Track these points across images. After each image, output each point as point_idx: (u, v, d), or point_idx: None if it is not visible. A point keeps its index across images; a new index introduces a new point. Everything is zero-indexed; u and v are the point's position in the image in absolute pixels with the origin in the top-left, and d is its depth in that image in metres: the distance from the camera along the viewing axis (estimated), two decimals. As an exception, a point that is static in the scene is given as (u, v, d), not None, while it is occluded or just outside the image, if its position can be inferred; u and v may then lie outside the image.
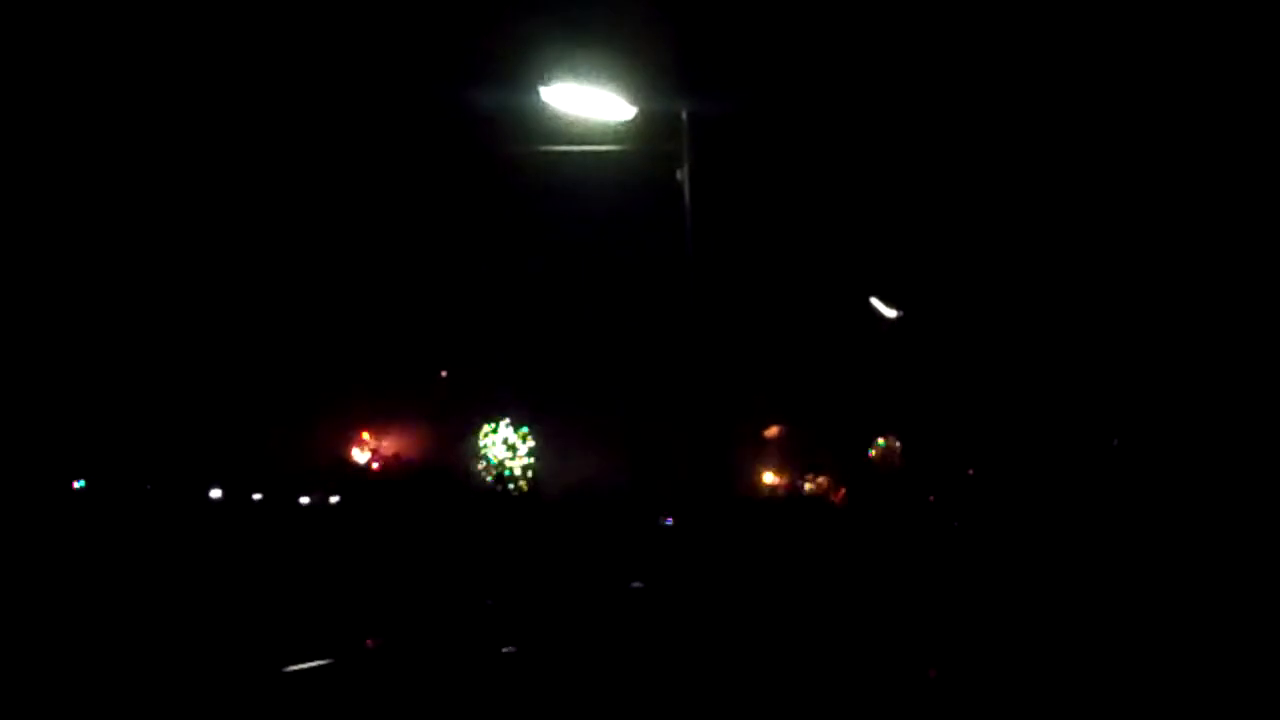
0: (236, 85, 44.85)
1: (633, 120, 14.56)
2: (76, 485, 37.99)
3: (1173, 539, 19.14)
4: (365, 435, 56.65)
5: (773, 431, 48.18)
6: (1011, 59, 29.20)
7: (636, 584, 20.45)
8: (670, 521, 31.88)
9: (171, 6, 43.42)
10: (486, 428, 58.63)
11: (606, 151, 15.98)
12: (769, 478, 48.38)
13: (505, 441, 58.87)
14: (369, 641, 14.06)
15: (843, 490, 40.77)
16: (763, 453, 48.50)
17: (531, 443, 58.79)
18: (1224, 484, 21.73)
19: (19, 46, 37.32)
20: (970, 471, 37.34)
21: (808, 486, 44.19)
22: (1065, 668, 11.40)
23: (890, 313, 30.24)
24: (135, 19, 42.24)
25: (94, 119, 41.58)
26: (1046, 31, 28.23)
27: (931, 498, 35.24)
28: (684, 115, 15.44)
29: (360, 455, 55.89)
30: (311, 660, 12.02)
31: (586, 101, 13.96)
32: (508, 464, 58.30)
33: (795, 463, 47.17)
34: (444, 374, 56.93)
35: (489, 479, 55.62)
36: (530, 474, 57.66)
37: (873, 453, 45.28)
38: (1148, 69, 26.20)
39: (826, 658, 12.80)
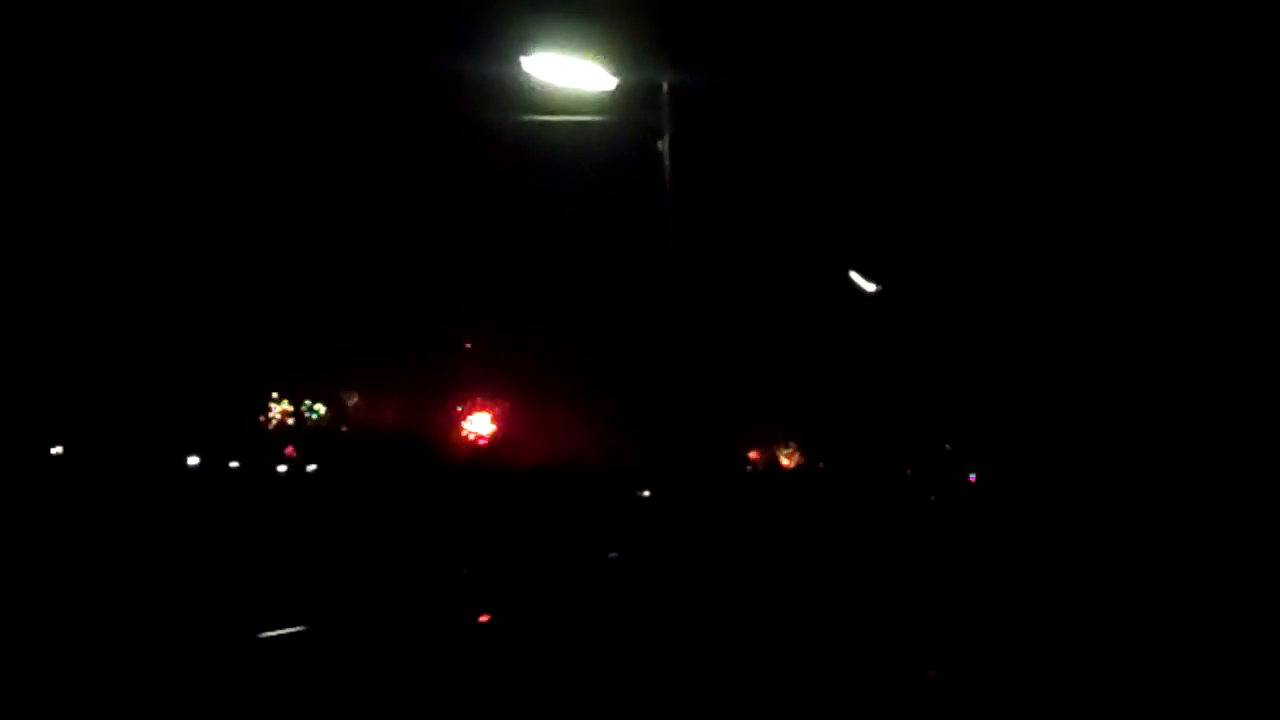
0: (211, 53, 44.52)
1: (614, 91, 14.55)
2: (54, 451, 37.88)
3: (1161, 519, 19.25)
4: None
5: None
6: (991, 34, 29.20)
7: (613, 554, 20.55)
8: (647, 494, 32.00)
9: None
10: None
11: (587, 122, 15.96)
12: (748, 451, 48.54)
13: None
14: (344, 608, 14.09)
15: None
16: (741, 426, 48.63)
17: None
18: (1213, 464, 21.85)
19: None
20: (947, 446, 37.57)
21: (783, 459, 44.39)
22: (1056, 653, 11.46)
23: (869, 286, 30.30)
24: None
25: (56, 92, 41.25)
26: (1025, 6, 28.24)
27: (909, 471, 35.45)
28: (665, 86, 15.44)
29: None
30: (286, 627, 12.05)
31: (568, 72, 13.94)
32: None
33: (772, 435, 47.33)
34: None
35: None
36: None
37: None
38: (1126, 48, 26.24)
39: (803, 624, 12.89)
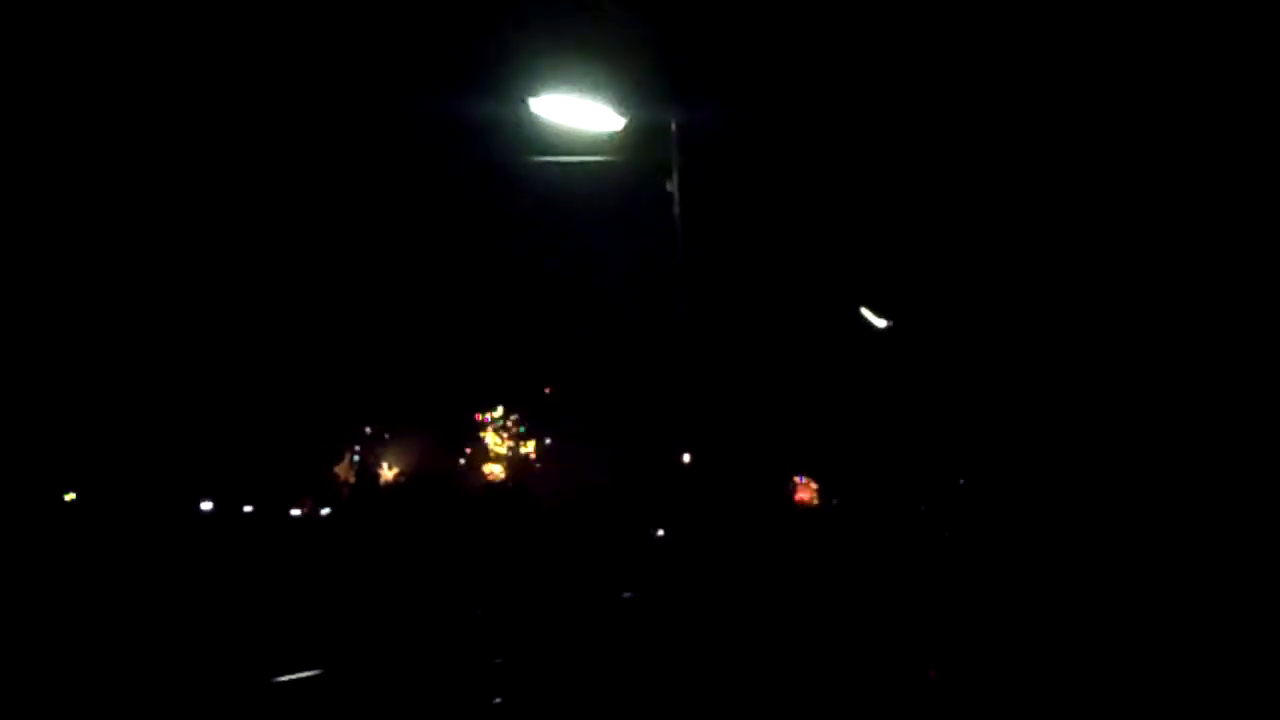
0: (229, 98, 44.89)
1: (623, 131, 14.58)
2: (68, 498, 37.93)
3: (1165, 543, 19.19)
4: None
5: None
6: (996, 74, 29.31)
7: (627, 594, 20.46)
8: (660, 533, 31.90)
9: (165, 16, 43.44)
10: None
11: (596, 162, 16.01)
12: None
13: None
14: (359, 651, 14.04)
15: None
16: (756, 463, 48.42)
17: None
18: (1218, 487, 21.77)
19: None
20: (961, 481, 37.37)
21: (799, 495, 44.19)
22: (1062, 670, 11.42)
23: (880, 322, 30.28)
24: (127, 26, 42.25)
25: (94, 126, 41.59)
26: (1030, 48, 28.35)
27: (923, 507, 35.28)
28: (673, 126, 15.47)
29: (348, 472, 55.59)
30: (301, 671, 12.02)
31: (576, 112, 13.97)
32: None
33: (786, 472, 47.14)
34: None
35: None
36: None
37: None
38: (1132, 81, 26.30)
39: (822, 667, 12.81)
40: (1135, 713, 10.03)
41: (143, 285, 44.32)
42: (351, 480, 53.98)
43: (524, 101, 13.69)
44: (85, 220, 41.96)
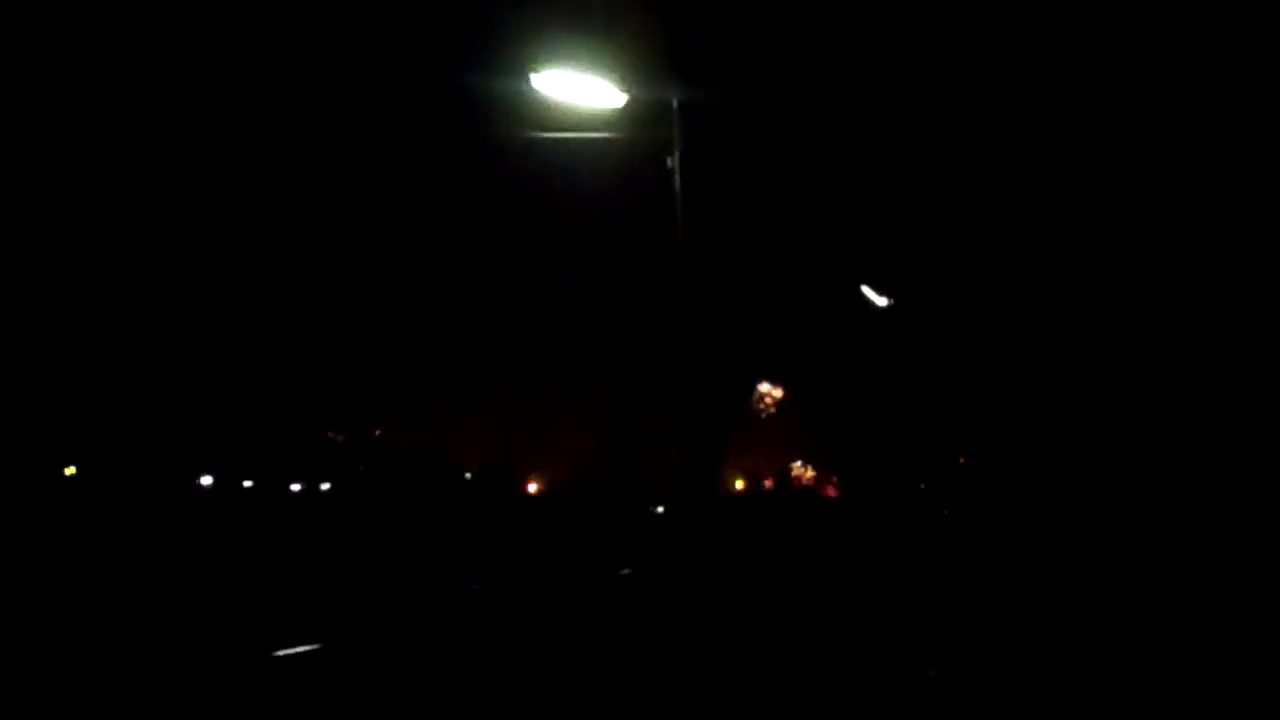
0: (226, 73, 44.75)
1: (624, 107, 14.55)
2: (68, 471, 37.99)
3: (1167, 530, 19.20)
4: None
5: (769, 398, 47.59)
6: (998, 50, 29.22)
7: (626, 570, 20.49)
8: (660, 510, 31.94)
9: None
10: None
11: (597, 138, 15.97)
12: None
13: None
14: (358, 626, 14.08)
15: (829, 483, 40.77)
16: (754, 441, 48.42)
17: None
18: (1218, 475, 21.78)
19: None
20: (961, 460, 37.40)
21: (795, 473, 44.23)
22: (1063, 662, 11.43)
23: (881, 300, 30.27)
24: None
25: (85, 111, 41.51)
26: (1034, 22, 28.25)
27: (923, 485, 35.32)
28: (675, 102, 15.44)
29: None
30: (301, 645, 12.05)
31: (578, 88, 13.95)
32: None
33: (784, 449, 47.16)
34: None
35: None
36: None
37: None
38: (1134, 60, 26.23)
39: (820, 646, 12.84)
40: (1134, 700, 10.05)
41: (143, 264, 44.31)
42: (353, 456, 54.00)
43: (526, 77, 13.67)
44: (83, 203, 41.94)
